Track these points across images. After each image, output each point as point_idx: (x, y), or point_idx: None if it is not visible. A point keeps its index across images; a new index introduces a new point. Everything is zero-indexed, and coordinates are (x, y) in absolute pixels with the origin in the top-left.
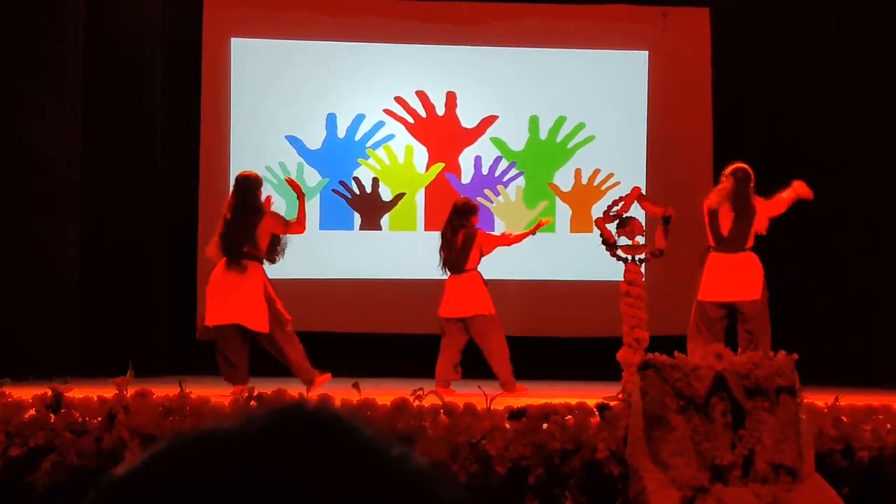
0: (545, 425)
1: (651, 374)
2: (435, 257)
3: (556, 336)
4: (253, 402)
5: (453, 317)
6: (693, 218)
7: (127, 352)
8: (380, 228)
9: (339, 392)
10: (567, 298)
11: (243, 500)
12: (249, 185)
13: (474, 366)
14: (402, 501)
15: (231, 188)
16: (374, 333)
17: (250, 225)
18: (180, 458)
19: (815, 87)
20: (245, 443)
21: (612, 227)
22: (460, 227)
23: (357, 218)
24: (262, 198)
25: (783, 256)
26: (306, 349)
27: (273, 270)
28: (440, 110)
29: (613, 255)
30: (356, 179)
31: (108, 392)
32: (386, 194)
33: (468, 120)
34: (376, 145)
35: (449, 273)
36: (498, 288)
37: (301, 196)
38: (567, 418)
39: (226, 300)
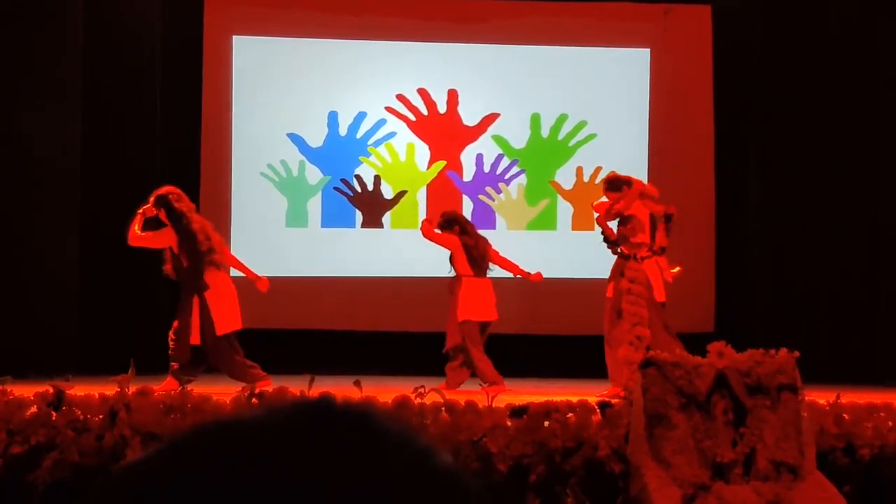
0: (546, 423)
1: (652, 372)
2: (435, 254)
3: (557, 334)
4: (254, 401)
5: (487, 320)
6: (694, 215)
7: (127, 350)
8: (381, 226)
9: (340, 390)
10: (569, 296)
11: (269, 494)
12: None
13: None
14: (429, 495)
15: (189, 203)
16: (376, 331)
17: None
18: (199, 449)
19: (816, 84)
20: (270, 436)
21: (613, 224)
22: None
23: (359, 216)
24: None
25: (783, 257)
26: (307, 346)
27: (274, 268)
28: (442, 108)
29: (615, 253)
30: (358, 177)
31: (109, 390)
32: (388, 192)
33: (470, 118)
34: (378, 143)
35: (476, 276)
36: (500, 286)
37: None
38: (568, 416)
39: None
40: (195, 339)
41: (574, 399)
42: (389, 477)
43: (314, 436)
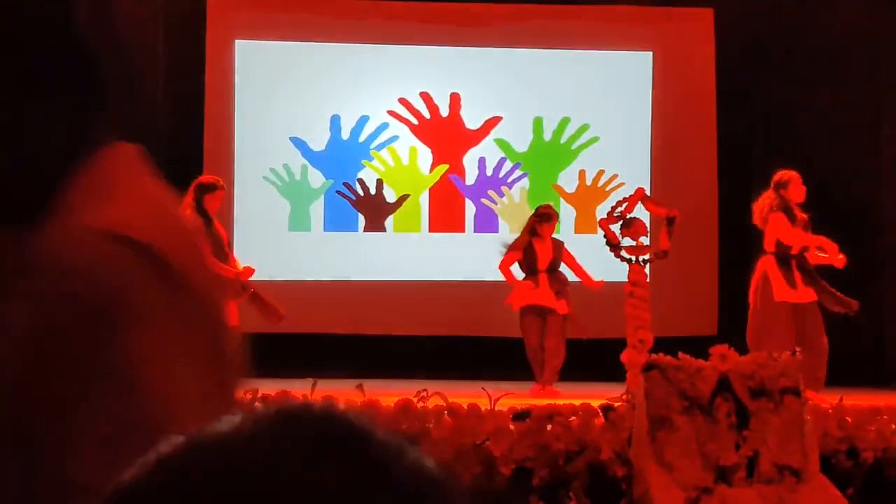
0: (549, 426)
1: (655, 375)
2: (438, 258)
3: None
4: (257, 405)
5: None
6: (697, 218)
7: None
8: (384, 230)
9: (343, 393)
10: (572, 299)
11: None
12: None
13: (475, 367)
14: (417, 501)
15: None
16: (379, 335)
17: None
18: (186, 462)
19: (818, 86)
20: (253, 444)
21: (616, 228)
22: (532, 228)
23: (361, 219)
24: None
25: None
26: (310, 350)
27: (276, 272)
28: (444, 112)
29: (617, 256)
30: (360, 181)
31: None
32: (390, 196)
33: (472, 121)
34: (380, 147)
35: None
36: (501, 289)
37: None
38: (571, 419)
39: None
40: None
41: (577, 402)
42: (375, 484)
43: (296, 444)
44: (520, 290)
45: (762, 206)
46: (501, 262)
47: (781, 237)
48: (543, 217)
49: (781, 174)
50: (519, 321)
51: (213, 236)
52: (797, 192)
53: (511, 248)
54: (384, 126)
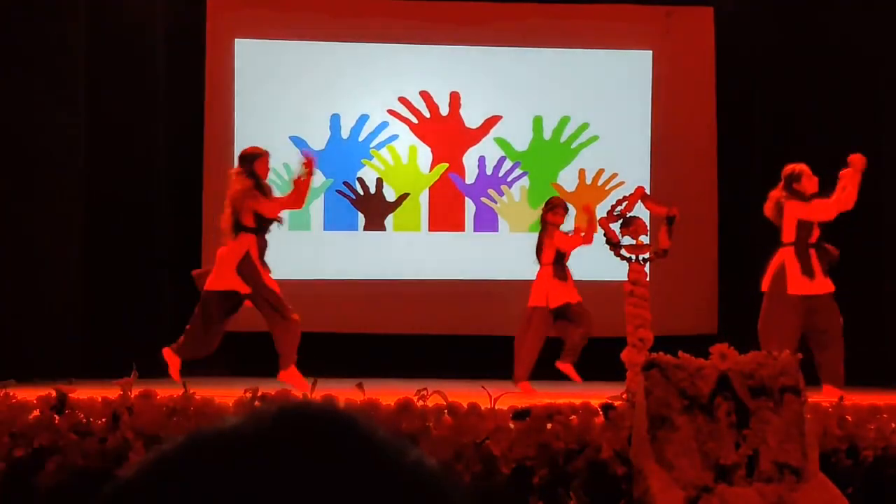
0: (549, 425)
1: (655, 374)
2: (437, 257)
3: (560, 336)
4: (257, 403)
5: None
6: (697, 217)
7: (131, 353)
8: (384, 229)
9: (343, 392)
10: None
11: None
12: None
13: (475, 366)
14: (413, 496)
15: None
16: (378, 334)
17: None
18: (187, 459)
19: (819, 86)
20: (253, 443)
21: (615, 226)
22: (543, 221)
23: (361, 219)
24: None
25: None
26: (310, 349)
27: (276, 271)
28: (444, 110)
29: (617, 254)
30: (360, 180)
31: (112, 393)
32: (390, 195)
33: (472, 120)
34: (380, 146)
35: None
36: (501, 287)
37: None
38: (571, 418)
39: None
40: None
41: (577, 401)
42: (376, 483)
43: (296, 442)
44: (555, 289)
45: (774, 200)
46: (544, 257)
47: (809, 216)
48: (548, 206)
49: (792, 167)
50: (530, 318)
51: (264, 192)
52: (810, 183)
53: (547, 244)
54: (384, 125)
